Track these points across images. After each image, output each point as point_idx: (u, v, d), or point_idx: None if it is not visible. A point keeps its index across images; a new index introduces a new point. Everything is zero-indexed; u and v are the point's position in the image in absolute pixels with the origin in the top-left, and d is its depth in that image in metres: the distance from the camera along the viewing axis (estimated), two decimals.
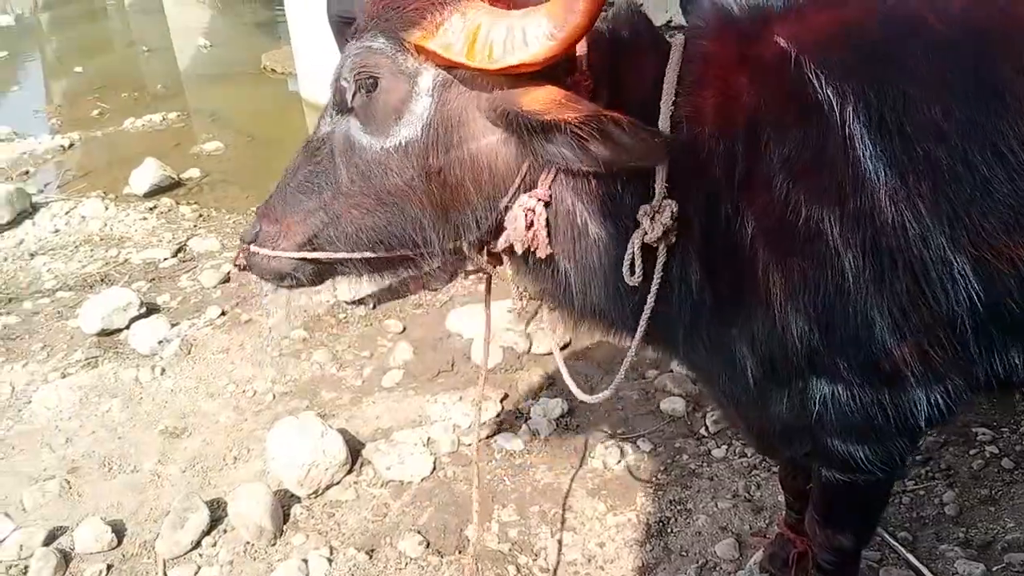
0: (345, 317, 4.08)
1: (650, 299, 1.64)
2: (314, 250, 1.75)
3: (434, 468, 3.08)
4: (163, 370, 3.75)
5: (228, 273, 4.60)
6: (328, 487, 3.01)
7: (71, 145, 7.35)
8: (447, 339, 3.88)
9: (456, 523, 2.82)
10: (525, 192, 1.61)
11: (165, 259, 4.91)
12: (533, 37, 1.42)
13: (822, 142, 1.51)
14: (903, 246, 1.48)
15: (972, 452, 2.85)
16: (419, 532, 2.79)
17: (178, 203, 5.84)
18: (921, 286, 1.50)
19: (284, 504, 2.92)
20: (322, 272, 1.81)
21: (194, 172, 6.42)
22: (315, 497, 2.98)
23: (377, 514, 2.91)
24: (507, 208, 1.64)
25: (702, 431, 3.19)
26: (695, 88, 1.60)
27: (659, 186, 1.56)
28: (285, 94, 8.83)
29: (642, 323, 1.69)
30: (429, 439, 3.20)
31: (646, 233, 1.57)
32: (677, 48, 1.64)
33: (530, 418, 3.30)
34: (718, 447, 3.08)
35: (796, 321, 1.59)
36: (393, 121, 1.61)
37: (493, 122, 1.54)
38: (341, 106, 1.68)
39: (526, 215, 1.60)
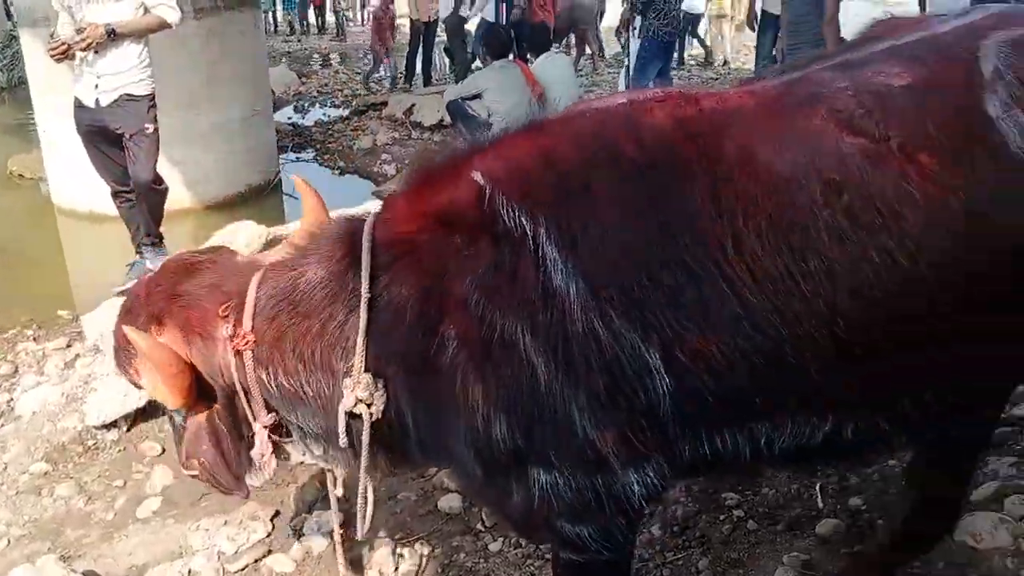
0: (95, 444, 3.76)
1: (364, 455, 1.92)
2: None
3: None
4: None
5: None
6: None
7: None
8: None
9: None
10: (256, 421, 2.01)
11: None
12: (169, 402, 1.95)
13: (514, 265, 1.67)
14: (596, 350, 1.63)
15: (722, 518, 3.05)
16: None
17: None
18: (618, 383, 1.66)
19: None
20: None
21: None
22: None
23: None
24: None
25: (479, 527, 3.18)
26: (386, 261, 1.83)
27: (357, 360, 1.82)
28: (36, 200, 8.23)
29: (362, 477, 1.98)
30: (190, 572, 2.97)
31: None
32: (367, 236, 1.86)
33: (303, 535, 3.16)
34: (494, 540, 3.09)
35: (499, 426, 1.74)
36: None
37: None
38: None
39: (262, 440, 2.02)
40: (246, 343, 1.90)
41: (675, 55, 12.68)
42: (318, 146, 10.63)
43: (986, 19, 1.96)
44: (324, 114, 12.82)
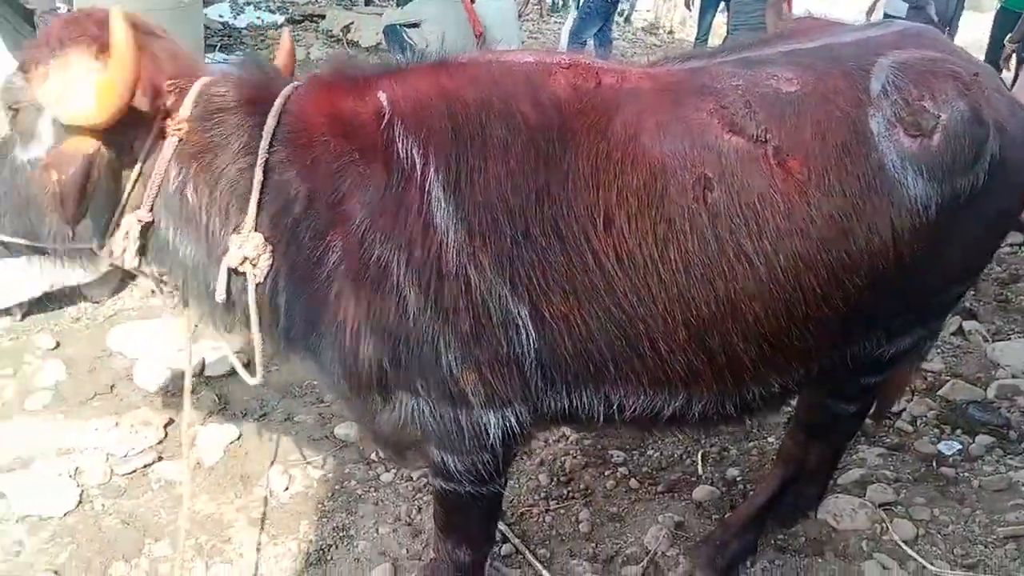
0: None
1: (253, 316, 1.86)
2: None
3: (80, 502, 2.84)
4: None
5: None
6: None
7: None
8: (108, 358, 3.60)
9: (100, 561, 2.63)
10: (133, 210, 1.83)
11: None
12: (84, 110, 1.68)
13: (401, 194, 1.73)
14: (466, 294, 1.72)
15: (607, 473, 3.20)
16: (56, 572, 2.56)
17: None
18: (484, 329, 1.75)
19: None
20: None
21: None
22: None
23: (8, 553, 2.63)
24: (118, 222, 1.86)
25: (373, 456, 3.24)
26: (289, 137, 1.82)
27: (249, 219, 1.79)
28: None
29: (256, 337, 1.91)
30: (77, 469, 2.95)
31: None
32: (280, 100, 1.84)
33: (196, 445, 3.16)
34: (387, 471, 3.16)
35: (367, 345, 1.81)
36: (29, 140, 1.83)
37: None
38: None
39: (126, 232, 1.84)
40: (179, 128, 1.80)
41: (623, 17, 12.64)
42: (248, 50, 10.20)
43: (888, 35, 2.05)
44: (258, 18, 12.26)
